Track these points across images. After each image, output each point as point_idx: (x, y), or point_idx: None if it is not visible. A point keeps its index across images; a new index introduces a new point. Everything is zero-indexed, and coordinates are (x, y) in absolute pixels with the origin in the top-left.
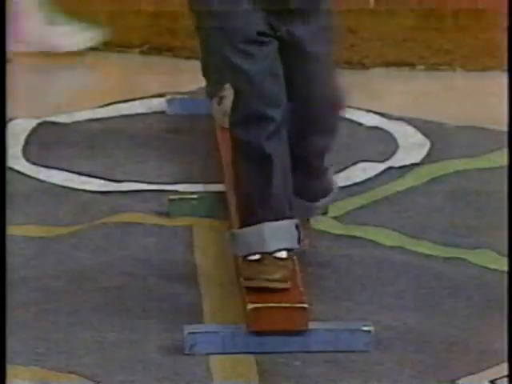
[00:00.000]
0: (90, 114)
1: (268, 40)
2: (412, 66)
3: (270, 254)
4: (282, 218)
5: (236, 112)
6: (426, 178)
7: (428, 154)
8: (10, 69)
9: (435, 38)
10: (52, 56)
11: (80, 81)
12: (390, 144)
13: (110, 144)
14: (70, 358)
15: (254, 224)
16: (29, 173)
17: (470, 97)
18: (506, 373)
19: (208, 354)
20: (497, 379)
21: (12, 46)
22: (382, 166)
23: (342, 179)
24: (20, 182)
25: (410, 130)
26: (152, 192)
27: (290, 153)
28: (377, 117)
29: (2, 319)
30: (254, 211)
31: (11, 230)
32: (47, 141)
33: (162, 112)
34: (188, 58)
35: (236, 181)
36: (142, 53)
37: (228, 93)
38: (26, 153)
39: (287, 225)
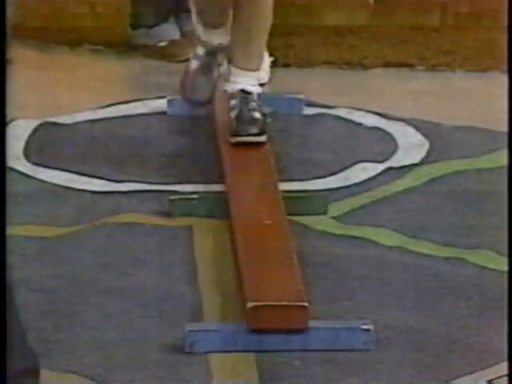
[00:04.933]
0: (91, 115)
1: None
2: (411, 66)
3: None
4: None
5: None
6: (425, 179)
7: (427, 155)
8: (11, 69)
9: (435, 39)
10: (52, 56)
11: (81, 82)
12: (389, 144)
13: (110, 144)
14: (71, 359)
15: None
16: (30, 173)
17: (470, 97)
18: (505, 372)
19: (208, 353)
20: (495, 378)
21: None
22: (381, 167)
23: (341, 179)
24: (21, 182)
25: (410, 130)
26: (152, 192)
27: None
28: (376, 117)
29: (3, 320)
30: None
31: (12, 230)
32: (48, 141)
33: (163, 113)
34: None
35: None
36: (143, 53)
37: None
38: (27, 153)
39: None
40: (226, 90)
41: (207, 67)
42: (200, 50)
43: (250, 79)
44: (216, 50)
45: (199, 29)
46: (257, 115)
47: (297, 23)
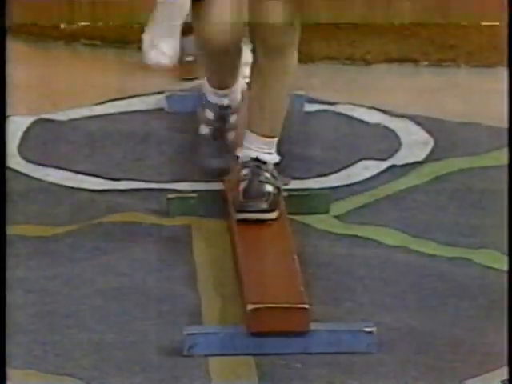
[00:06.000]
0: (88, 112)
1: None
2: (415, 61)
3: None
4: None
5: None
6: (429, 177)
7: (431, 152)
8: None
9: (439, 34)
10: (47, 51)
11: (77, 78)
12: (392, 142)
13: (107, 142)
14: (67, 361)
15: None
16: (25, 171)
17: (475, 93)
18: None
19: (207, 356)
20: (505, 380)
21: None
22: (384, 164)
23: (343, 177)
24: (16, 181)
25: (413, 127)
26: (150, 191)
27: None
28: (379, 114)
29: (2, 320)
30: None
31: (7, 230)
32: (44, 138)
33: (161, 109)
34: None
35: None
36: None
37: None
38: (21, 151)
39: None
40: (238, 157)
41: (219, 132)
42: (209, 114)
43: (266, 146)
44: (226, 112)
45: (207, 90)
46: (268, 188)
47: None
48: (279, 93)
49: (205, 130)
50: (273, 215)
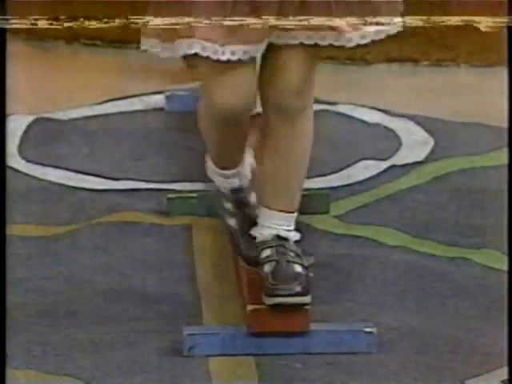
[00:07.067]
0: (87, 111)
1: None
2: (415, 61)
3: None
4: None
5: None
6: (429, 177)
7: (432, 152)
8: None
9: (439, 33)
10: (47, 50)
11: (77, 77)
12: (392, 141)
13: (107, 141)
14: (66, 361)
15: None
16: (24, 170)
17: (475, 93)
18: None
19: (207, 356)
20: (505, 380)
21: None
22: (384, 164)
23: (343, 177)
24: (15, 180)
25: (414, 127)
26: (150, 191)
27: None
28: (379, 114)
29: (3, 321)
30: None
31: (7, 230)
32: (43, 138)
33: (161, 109)
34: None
35: None
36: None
37: None
38: (21, 150)
39: None
40: (253, 238)
41: (246, 220)
42: (227, 205)
43: (286, 222)
44: (241, 195)
45: (214, 173)
46: (297, 269)
47: None
48: (295, 160)
49: (231, 221)
50: (307, 299)
